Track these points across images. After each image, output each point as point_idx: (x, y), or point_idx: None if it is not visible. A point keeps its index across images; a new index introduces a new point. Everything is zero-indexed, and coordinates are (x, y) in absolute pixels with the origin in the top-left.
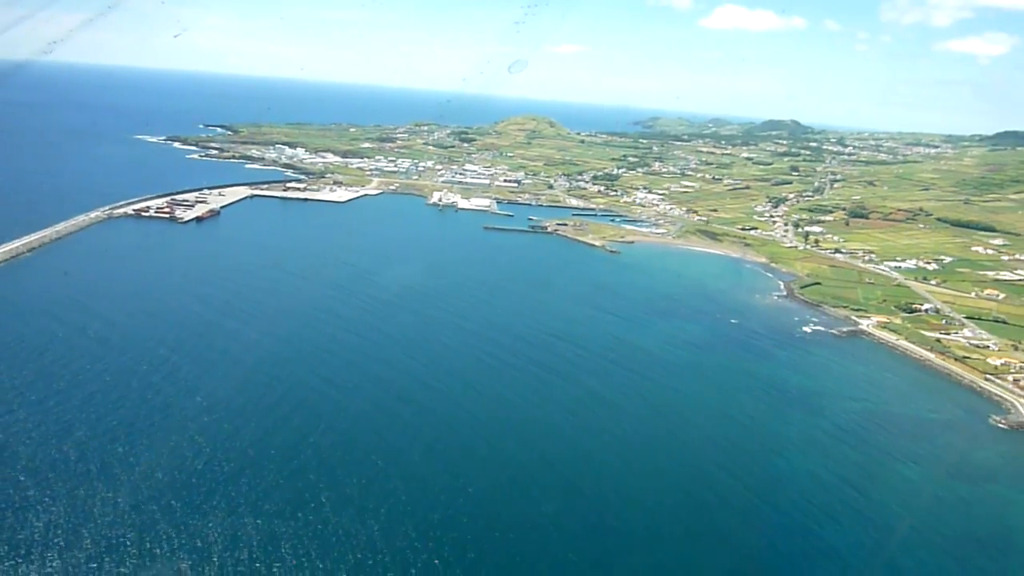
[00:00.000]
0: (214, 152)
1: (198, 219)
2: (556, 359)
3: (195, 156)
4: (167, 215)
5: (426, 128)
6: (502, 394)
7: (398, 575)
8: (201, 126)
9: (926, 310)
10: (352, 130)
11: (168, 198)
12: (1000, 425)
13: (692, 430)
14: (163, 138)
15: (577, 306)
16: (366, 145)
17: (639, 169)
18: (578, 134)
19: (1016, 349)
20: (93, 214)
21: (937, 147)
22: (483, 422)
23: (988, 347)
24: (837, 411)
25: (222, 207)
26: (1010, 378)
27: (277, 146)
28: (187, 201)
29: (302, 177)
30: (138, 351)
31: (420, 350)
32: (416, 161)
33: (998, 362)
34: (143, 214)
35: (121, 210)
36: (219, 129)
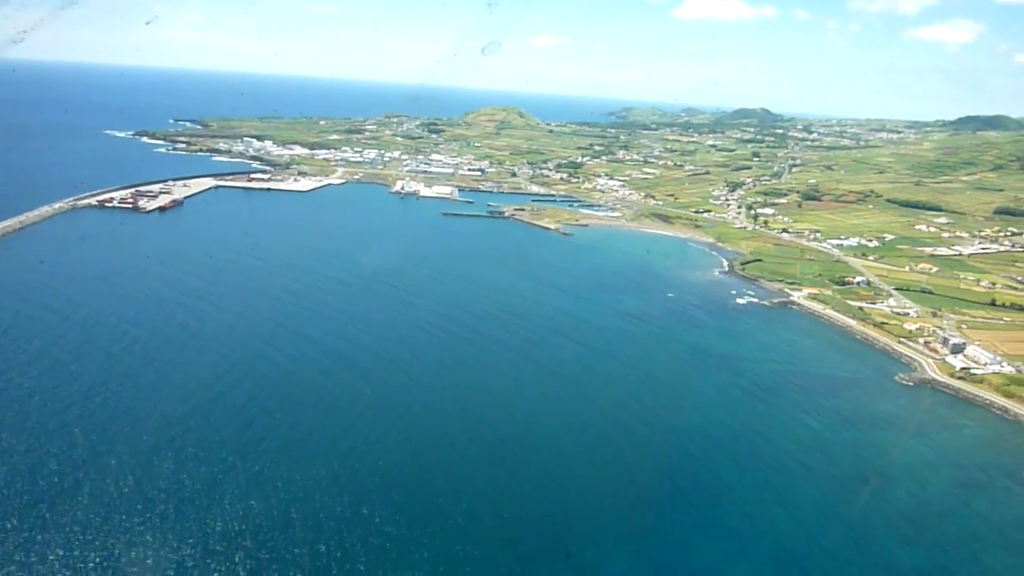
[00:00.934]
0: (182, 146)
1: (161, 209)
2: (500, 330)
3: (162, 150)
4: (130, 205)
5: (396, 120)
6: (443, 361)
7: (327, 512)
8: (171, 121)
9: (858, 283)
10: (322, 123)
11: (132, 189)
12: (904, 382)
13: (618, 388)
14: (132, 133)
15: (525, 283)
16: (334, 137)
17: (603, 157)
18: (548, 124)
19: (935, 316)
20: (57, 205)
21: (900, 133)
22: (422, 385)
23: (908, 314)
24: (755, 372)
25: (185, 197)
26: (922, 341)
27: (245, 139)
28: (151, 192)
29: (268, 168)
30: (98, 326)
31: (370, 324)
32: (382, 152)
33: (913, 327)
34: (106, 204)
35: (85, 201)
36: (189, 124)
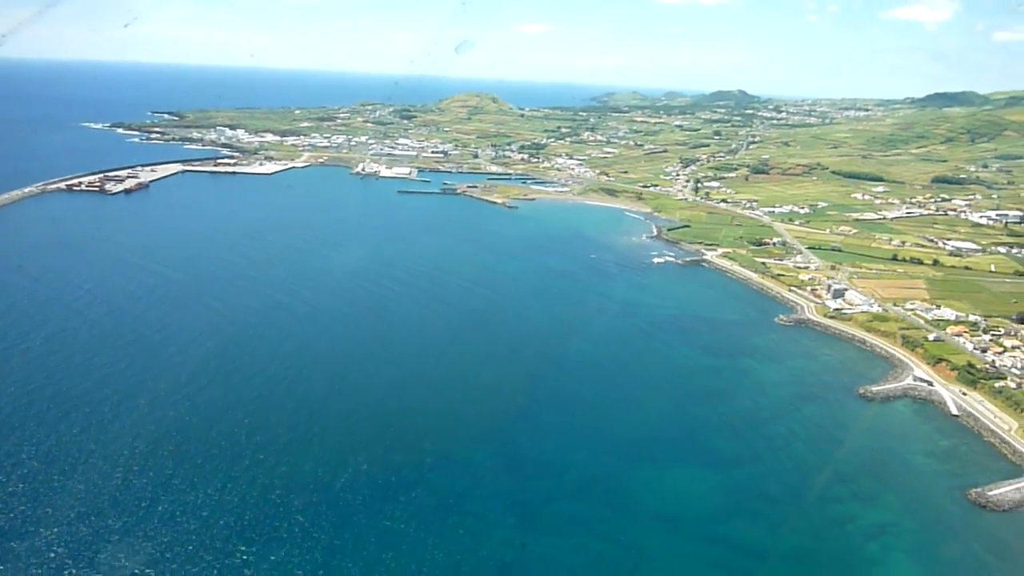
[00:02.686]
0: (155, 136)
1: (127, 191)
2: (428, 283)
3: (136, 140)
4: (97, 188)
5: (369, 108)
6: (371, 306)
7: (263, 432)
8: (149, 113)
9: (774, 243)
10: (296, 112)
11: (101, 175)
12: (781, 321)
13: (522, 326)
14: (108, 125)
15: (461, 247)
16: (305, 124)
17: (568, 139)
18: (521, 109)
19: (832, 268)
20: (27, 189)
21: (868, 110)
22: (349, 326)
23: (808, 268)
24: (649, 315)
25: (151, 181)
26: (809, 289)
27: (218, 128)
28: (118, 177)
29: (236, 154)
30: (58, 287)
31: (311, 281)
32: (350, 137)
33: (807, 277)
34: (74, 188)
35: (54, 185)
36: (166, 115)
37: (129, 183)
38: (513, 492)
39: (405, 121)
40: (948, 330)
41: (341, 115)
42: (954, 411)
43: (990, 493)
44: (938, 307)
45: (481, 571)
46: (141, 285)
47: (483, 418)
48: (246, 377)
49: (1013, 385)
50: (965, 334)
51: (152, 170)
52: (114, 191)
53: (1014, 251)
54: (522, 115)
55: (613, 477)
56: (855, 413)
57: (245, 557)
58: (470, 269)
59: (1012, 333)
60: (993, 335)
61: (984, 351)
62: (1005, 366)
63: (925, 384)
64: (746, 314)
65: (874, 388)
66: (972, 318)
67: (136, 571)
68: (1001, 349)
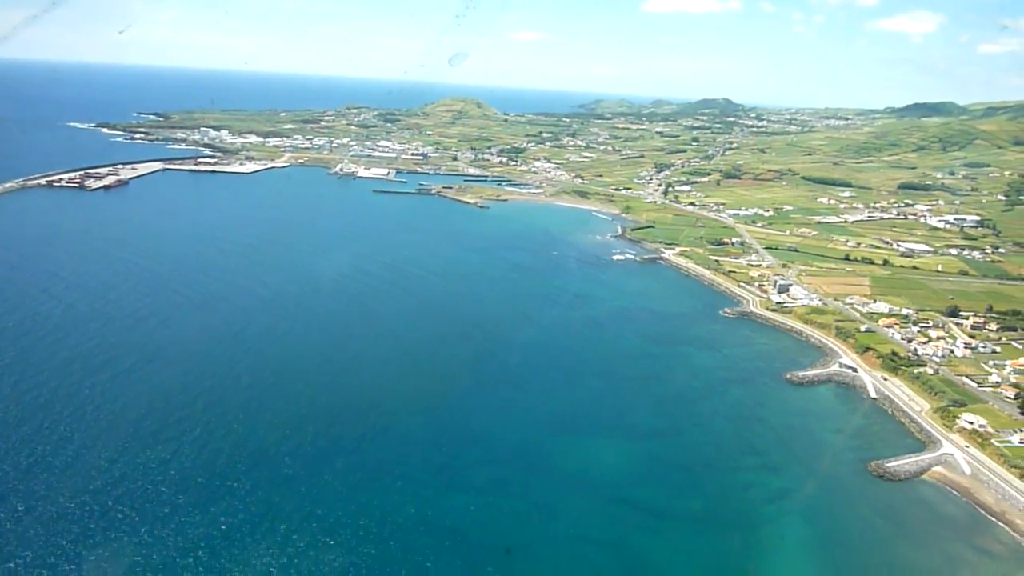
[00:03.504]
0: (140, 136)
1: (106, 187)
2: (395, 275)
3: (120, 139)
4: (77, 185)
5: (355, 111)
6: (335, 294)
7: (220, 406)
8: (135, 114)
9: (732, 243)
10: (282, 114)
11: (82, 172)
12: (726, 314)
13: (477, 313)
14: (93, 124)
15: (429, 242)
16: (289, 126)
17: (548, 143)
18: (506, 115)
19: (784, 266)
20: (7, 184)
21: (848, 119)
22: (313, 314)
23: (760, 265)
24: (601, 306)
25: (131, 178)
26: (757, 285)
27: (202, 129)
28: (99, 174)
29: (217, 154)
30: (34, 275)
31: (279, 271)
32: (331, 139)
33: (756, 274)
34: (55, 184)
35: (34, 181)
36: (152, 116)
37: (109, 180)
38: (444, 458)
39: (389, 124)
40: (880, 322)
41: (326, 118)
42: (873, 394)
43: (888, 465)
44: (875, 301)
45: (405, 525)
46: (116, 274)
47: (428, 394)
48: (208, 357)
49: (931, 371)
50: (895, 326)
51: (133, 168)
52: (94, 187)
53: (964, 253)
54: (506, 120)
55: (539, 446)
56: (779, 395)
57: (188, 509)
58: (434, 262)
59: (940, 325)
60: (922, 327)
61: (910, 341)
62: (927, 354)
63: (850, 370)
64: (693, 307)
65: (800, 373)
66: (905, 312)
67: (92, 525)
68: (926, 339)
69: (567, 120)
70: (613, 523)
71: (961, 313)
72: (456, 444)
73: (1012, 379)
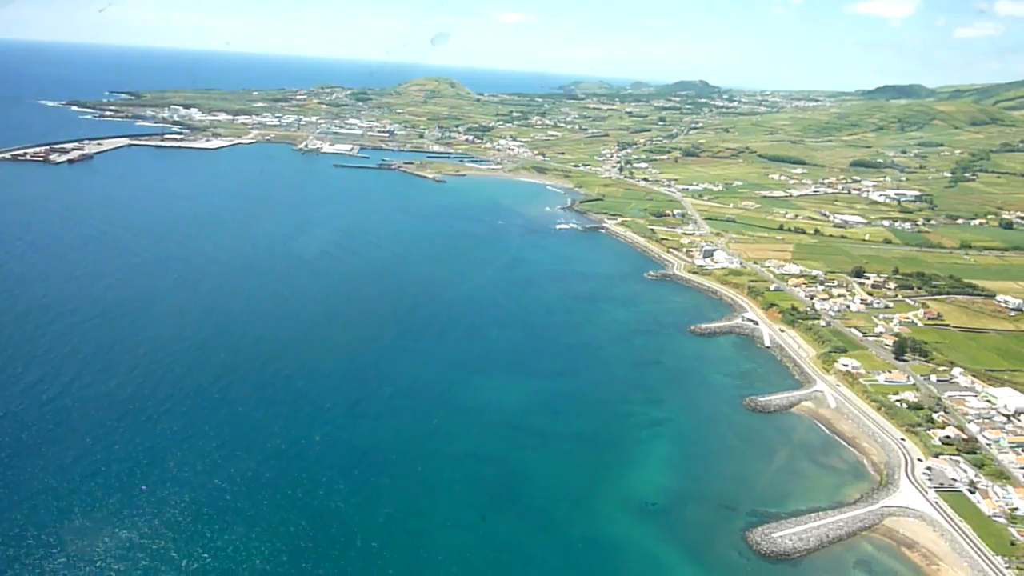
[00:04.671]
0: (109, 113)
1: (70, 161)
2: (343, 238)
3: (89, 116)
4: (41, 159)
5: (328, 90)
6: (282, 256)
7: (163, 351)
8: (106, 92)
9: (674, 214)
10: (255, 93)
11: (47, 146)
12: (649, 276)
13: (416, 273)
14: (63, 102)
15: (381, 212)
16: (259, 105)
17: (516, 123)
18: (479, 95)
19: (717, 235)
20: None
21: (817, 101)
22: (262, 272)
23: (693, 234)
24: (533, 268)
25: (96, 153)
26: (684, 251)
27: (172, 107)
28: (64, 148)
29: (185, 131)
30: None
31: (232, 235)
32: (300, 117)
33: (686, 241)
34: (19, 158)
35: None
36: (123, 95)
37: (74, 154)
38: (359, 393)
39: (360, 104)
40: (790, 282)
41: (298, 97)
42: (767, 343)
43: (761, 400)
44: (788, 264)
45: (312, 444)
46: (77, 237)
47: (356, 342)
48: (159, 310)
49: (823, 323)
50: (803, 285)
51: (98, 143)
52: (58, 161)
53: (896, 224)
54: (478, 100)
55: (448, 384)
56: (680, 344)
57: (129, 428)
58: (384, 229)
59: (844, 285)
60: (826, 286)
61: (812, 298)
62: (824, 309)
63: (751, 323)
64: (621, 270)
65: (704, 325)
66: (815, 273)
67: (40, 434)
68: (827, 296)
69: (540, 100)
70: (502, 443)
71: (866, 274)
72: (373, 382)
73: (895, 329)
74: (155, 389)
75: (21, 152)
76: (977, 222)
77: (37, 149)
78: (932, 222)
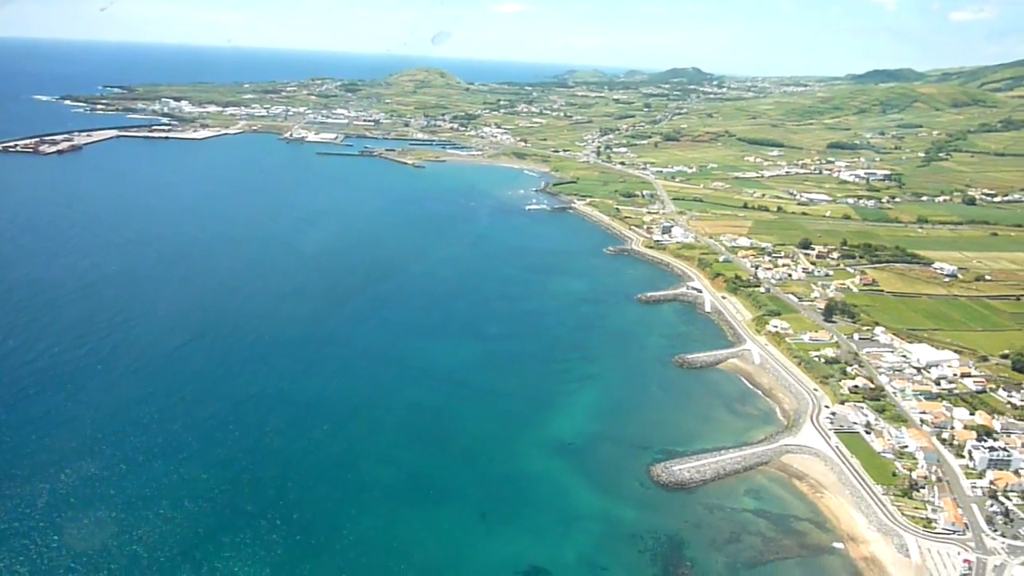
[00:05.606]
0: (101, 107)
1: (59, 152)
2: (318, 218)
3: (81, 110)
4: (31, 150)
5: (318, 82)
6: (262, 238)
7: (141, 323)
8: (100, 87)
9: (643, 195)
10: (246, 85)
11: (37, 138)
12: (607, 251)
13: (383, 251)
14: (57, 97)
15: (357, 195)
16: (249, 96)
17: (502, 111)
18: (469, 84)
19: (680, 213)
20: None
21: (807, 86)
22: (238, 251)
23: (658, 213)
24: (496, 246)
25: (85, 144)
26: (645, 228)
27: (162, 99)
28: (54, 140)
29: (174, 123)
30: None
31: (214, 217)
32: (288, 108)
33: (649, 219)
34: (9, 149)
35: None
36: (116, 89)
37: (63, 145)
38: (315, 355)
39: (349, 94)
40: (739, 254)
41: (288, 88)
42: (708, 309)
43: (689, 356)
44: (740, 239)
45: (266, 398)
46: (64, 220)
47: (318, 311)
48: (139, 283)
49: (763, 290)
50: (751, 256)
51: (88, 135)
52: (47, 152)
53: (860, 202)
54: (467, 89)
55: (398, 347)
56: (624, 311)
57: (91, 388)
58: (357, 210)
59: (790, 255)
60: (773, 257)
61: (757, 268)
62: (765, 278)
63: (695, 291)
64: (582, 246)
65: (650, 294)
66: (764, 245)
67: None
68: (771, 266)
69: (528, 88)
70: (442, 396)
71: (812, 246)
72: (332, 345)
73: (830, 294)
74: (126, 353)
75: (11, 144)
76: (941, 199)
77: (27, 141)
78: (897, 200)
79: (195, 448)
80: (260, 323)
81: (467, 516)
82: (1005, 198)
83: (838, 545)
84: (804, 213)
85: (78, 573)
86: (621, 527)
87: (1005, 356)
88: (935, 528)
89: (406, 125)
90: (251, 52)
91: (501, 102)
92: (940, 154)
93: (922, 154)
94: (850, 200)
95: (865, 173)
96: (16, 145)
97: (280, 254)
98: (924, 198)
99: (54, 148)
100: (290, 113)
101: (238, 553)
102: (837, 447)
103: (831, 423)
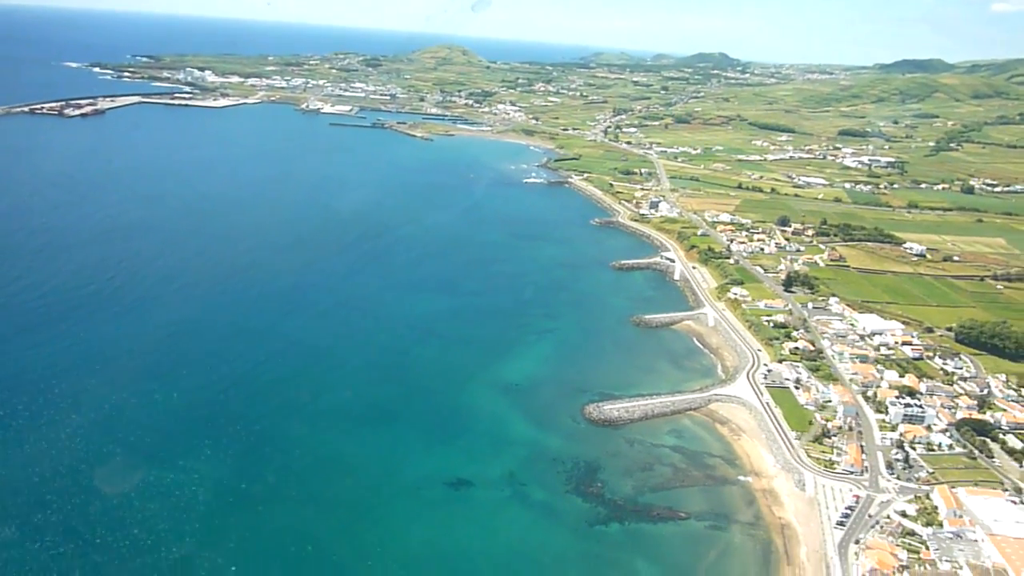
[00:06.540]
0: (127, 75)
1: (83, 115)
2: (321, 182)
3: (108, 77)
4: (56, 112)
5: (341, 56)
6: (267, 199)
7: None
8: (128, 56)
9: (641, 173)
10: (270, 58)
11: (63, 102)
12: (593, 223)
13: (378, 214)
14: (85, 64)
15: (364, 163)
16: (271, 68)
17: (520, 89)
18: (490, 63)
19: (673, 191)
20: None
21: (832, 74)
22: (241, 210)
23: (651, 190)
24: (487, 214)
25: (108, 109)
26: (634, 202)
27: (187, 69)
28: (79, 104)
29: (196, 92)
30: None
31: (223, 178)
32: (307, 80)
33: (640, 194)
34: (36, 111)
35: (18, 109)
36: (143, 58)
37: (87, 109)
38: (293, 301)
39: (370, 69)
40: (718, 228)
41: (311, 62)
42: (677, 277)
43: (647, 317)
44: (726, 214)
45: (246, 333)
46: (85, 177)
47: (311, 263)
48: (145, 235)
49: (732, 262)
50: (729, 231)
51: (111, 100)
52: (71, 115)
53: (857, 187)
54: (488, 67)
55: (377, 298)
56: (596, 276)
57: (92, 320)
58: (360, 177)
59: (767, 231)
60: (751, 232)
61: (731, 242)
62: (738, 251)
63: (668, 261)
64: (570, 217)
65: (624, 261)
66: (744, 221)
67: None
68: (746, 240)
69: (549, 68)
70: (408, 341)
71: (790, 223)
72: (313, 291)
73: (796, 268)
74: (128, 293)
75: (38, 106)
76: (940, 187)
77: (53, 104)
78: (895, 186)
79: (177, 372)
80: (253, 271)
81: (410, 438)
82: (1007, 188)
83: (743, 478)
84: (796, 195)
85: (64, 465)
86: (546, 453)
87: (950, 329)
88: (836, 469)
89: (421, 100)
90: (280, 25)
91: (519, 81)
92: (951, 144)
93: (932, 144)
94: (847, 185)
95: (869, 159)
96: (43, 108)
97: (281, 212)
98: (923, 186)
99: (78, 111)
100: (309, 85)
101: (201, 456)
102: (764, 398)
103: (765, 378)
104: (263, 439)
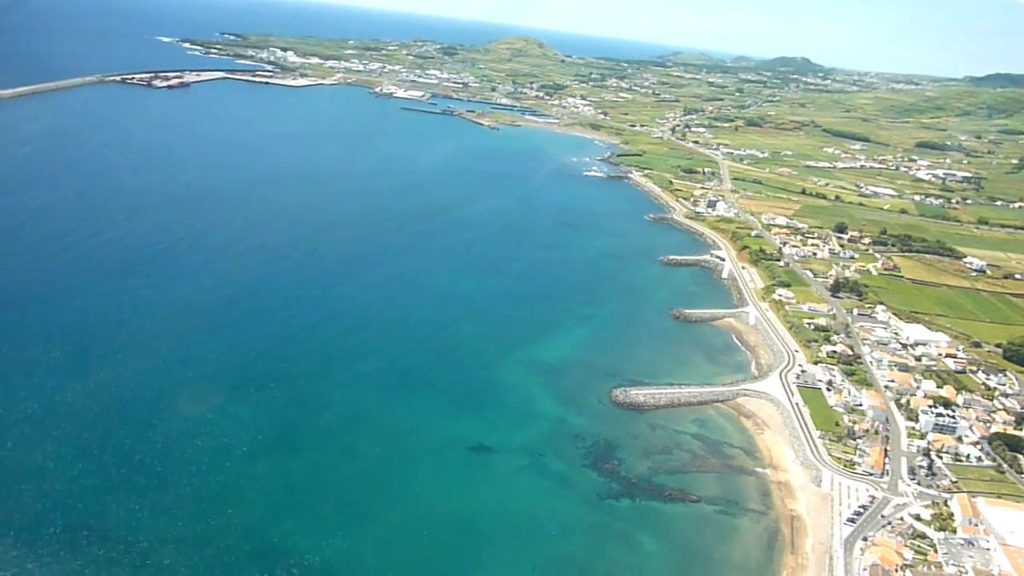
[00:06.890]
0: (215, 51)
1: (169, 87)
2: (387, 164)
3: (196, 52)
4: (145, 83)
5: (420, 43)
6: (327, 175)
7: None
8: (217, 33)
9: (703, 172)
10: (350, 41)
11: (152, 73)
12: (647, 218)
13: (434, 197)
14: (177, 39)
15: (429, 148)
16: (350, 52)
17: (591, 84)
18: (567, 56)
19: (734, 192)
20: (89, 78)
21: (917, 85)
22: (299, 185)
23: (711, 189)
24: (543, 204)
25: (193, 82)
26: (692, 201)
27: (270, 49)
28: (166, 76)
29: (277, 71)
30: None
31: (298, 152)
32: (384, 65)
33: (699, 193)
34: (127, 81)
35: (111, 78)
36: (231, 36)
37: (173, 81)
38: (347, 271)
39: (446, 57)
40: (772, 231)
41: (390, 47)
42: (725, 276)
43: (687, 311)
44: (782, 217)
45: (300, 297)
46: (166, 143)
47: (366, 237)
48: (218, 201)
49: (782, 264)
50: (783, 234)
51: (197, 74)
52: (159, 86)
53: (926, 200)
54: (562, 61)
55: (427, 274)
56: (643, 269)
57: (156, 266)
58: (425, 160)
59: (822, 237)
60: (805, 236)
61: (784, 244)
62: (790, 254)
63: (718, 259)
64: (625, 211)
65: (673, 257)
66: (800, 225)
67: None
68: (799, 245)
69: (624, 65)
70: (452, 316)
71: (847, 230)
72: (366, 264)
73: (847, 274)
74: (197, 252)
75: (129, 76)
76: (1017, 205)
77: (143, 75)
78: (968, 201)
79: (235, 328)
80: (313, 241)
81: (440, 405)
82: None
83: (760, 470)
84: (860, 204)
85: (124, 399)
86: (568, 429)
87: (999, 345)
88: (855, 469)
89: (493, 90)
90: (362, 10)
91: (592, 75)
92: None
93: (1015, 161)
94: (917, 197)
95: (944, 173)
96: (133, 78)
97: (342, 188)
98: (998, 203)
99: (165, 83)
100: (385, 70)
101: (246, 402)
102: (794, 398)
103: (797, 378)
104: (303, 394)
